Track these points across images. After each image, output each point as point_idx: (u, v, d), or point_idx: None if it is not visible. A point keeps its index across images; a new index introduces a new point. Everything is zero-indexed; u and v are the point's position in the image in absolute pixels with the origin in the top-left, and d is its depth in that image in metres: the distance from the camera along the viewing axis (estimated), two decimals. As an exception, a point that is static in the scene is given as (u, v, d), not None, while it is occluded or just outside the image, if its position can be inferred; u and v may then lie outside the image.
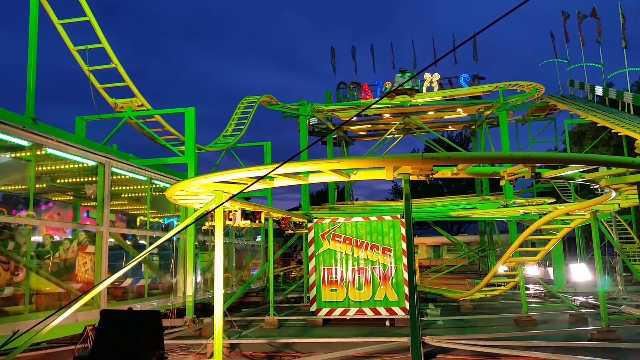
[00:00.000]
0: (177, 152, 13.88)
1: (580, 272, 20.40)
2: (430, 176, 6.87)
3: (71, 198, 12.25)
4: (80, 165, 10.02)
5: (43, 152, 8.45)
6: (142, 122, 14.90)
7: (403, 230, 12.61)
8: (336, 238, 13.25)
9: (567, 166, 7.02)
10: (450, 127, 30.84)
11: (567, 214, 11.93)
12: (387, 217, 13.27)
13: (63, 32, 13.28)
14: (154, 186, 12.29)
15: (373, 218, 13.32)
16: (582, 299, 15.87)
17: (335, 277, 13.08)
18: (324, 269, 13.17)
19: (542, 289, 18.56)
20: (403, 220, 12.50)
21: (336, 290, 13.02)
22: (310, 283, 13.34)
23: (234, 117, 21.49)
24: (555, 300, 15.43)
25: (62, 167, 10.17)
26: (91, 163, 9.76)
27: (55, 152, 8.61)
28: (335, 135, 29.19)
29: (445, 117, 27.04)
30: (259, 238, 20.53)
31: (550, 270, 22.08)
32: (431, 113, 26.05)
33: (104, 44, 13.52)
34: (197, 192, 7.81)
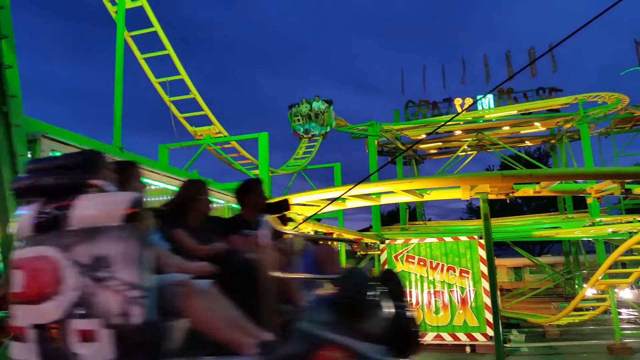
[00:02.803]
0: (252, 176, 14.33)
1: (682, 296, 18.60)
2: (511, 194, 6.61)
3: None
4: (165, 191, 10.58)
5: (131, 180, 9.01)
6: (219, 148, 15.56)
7: (481, 252, 12.13)
8: (410, 259, 12.99)
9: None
10: (527, 142, 29.54)
11: (664, 233, 10.98)
12: (463, 238, 12.84)
13: (145, 66, 14.24)
14: (231, 209, 12.72)
15: (448, 239, 12.95)
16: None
17: (411, 301, 12.79)
18: (398, 291, 12.91)
19: (637, 313, 17.10)
20: (481, 241, 12.05)
21: (411, 313, 12.70)
22: (384, 306, 13.10)
23: (304, 139, 21.90)
24: (654, 327, 14.14)
25: (148, 193, 10.80)
26: (174, 189, 10.28)
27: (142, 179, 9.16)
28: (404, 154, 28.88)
29: (522, 131, 25.96)
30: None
31: (646, 293, 20.29)
32: (506, 128, 25.12)
33: (183, 75, 14.33)
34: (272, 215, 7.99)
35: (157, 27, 13.26)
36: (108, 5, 12.77)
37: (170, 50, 13.78)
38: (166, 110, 14.57)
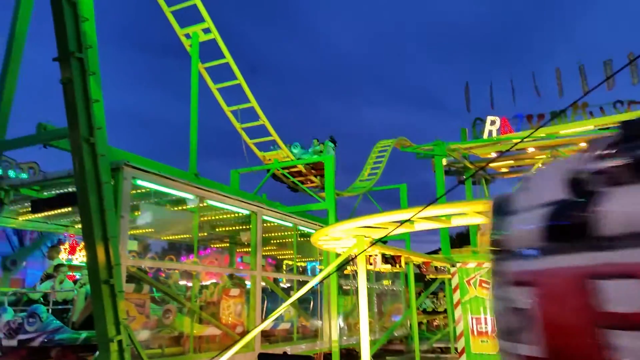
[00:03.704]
0: (319, 199, 14.47)
1: None
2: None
3: (227, 245, 13.36)
4: (236, 215, 10.94)
5: (205, 204, 9.41)
6: (287, 172, 15.90)
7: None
8: (483, 284, 12.49)
9: None
10: (606, 158, 27.76)
11: None
12: (540, 261, 12.18)
13: (218, 95, 14.91)
14: (298, 232, 12.89)
15: (524, 262, 12.33)
16: None
17: (486, 328, 12.23)
18: (472, 318, 12.42)
19: None
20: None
21: (487, 341, 12.14)
22: (457, 333, 12.63)
23: (369, 161, 21.86)
24: None
25: (220, 216, 11.20)
26: (245, 212, 10.60)
27: (215, 203, 9.54)
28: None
29: (600, 148, 24.45)
30: (396, 282, 20.20)
31: None
32: (583, 144, 23.79)
33: (253, 103, 14.84)
34: (339, 237, 8.02)
35: (228, 58, 13.90)
36: (183, 39, 13.56)
37: (240, 79, 14.34)
38: (237, 137, 15.15)
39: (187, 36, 13.46)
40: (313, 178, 16.80)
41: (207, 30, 13.34)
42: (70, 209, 9.06)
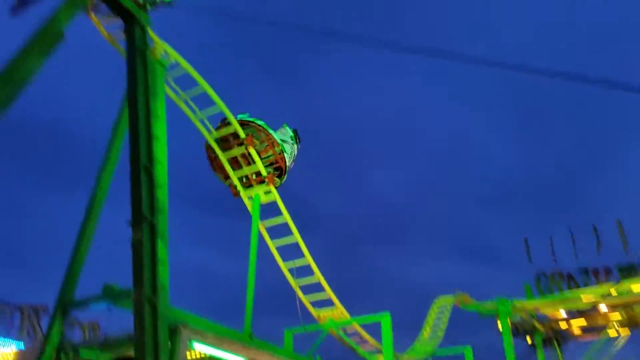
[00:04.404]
0: (376, 362, 13.56)
1: None
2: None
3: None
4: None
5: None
6: (342, 332, 15.27)
7: None
8: None
9: None
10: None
11: None
12: None
13: (275, 252, 15.14)
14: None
15: None
16: None
17: None
18: None
19: None
20: None
21: None
22: None
23: (428, 320, 20.78)
24: None
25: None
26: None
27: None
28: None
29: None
30: None
31: None
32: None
33: (308, 259, 14.91)
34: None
35: (286, 216, 14.42)
36: (246, 201, 14.32)
37: (297, 236, 14.65)
38: (292, 294, 14.97)
39: (250, 198, 14.24)
40: (370, 338, 15.99)
41: (267, 192, 14.10)
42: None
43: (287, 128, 15.14)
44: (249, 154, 13.54)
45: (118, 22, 9.96)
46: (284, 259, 15.31)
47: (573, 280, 23.13)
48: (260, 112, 14.37)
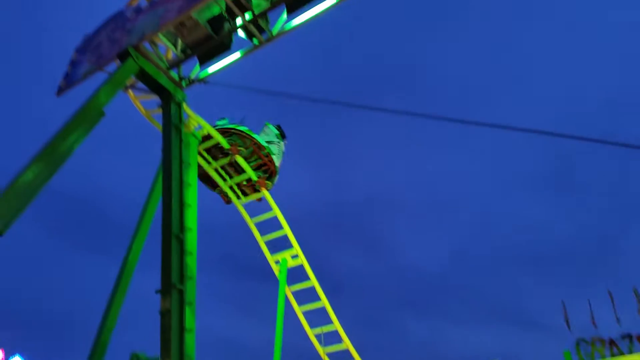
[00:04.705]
0: None
1: None
2: None
3: None
4: None
5: None
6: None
7: None
8: None
9: None
10: None
11: None
12: None
13: (302, 318, 14.91)
14: None
15: None
16: None
17: None
18: None
19: None
20: None
21: None
22: None
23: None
24: None
25: None
26: None
27: None
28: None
29: None
30: None
31: None
32: None
33: (336, 325, 14.61)
34: None
35: (314, 281, 14.32)
36: (273, 266, 14.35)
37: (325, 301, 14.46)
38: (320, 362, 14.57)
39: (277, 262, 14.26)
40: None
41: (295, 256, 14.12)
42: None
43: (270, 126, 14.75)
44: (236, 162, 13.23)
45: (154, 98, 10.57)
46: (312, 325, 15.04)
47: (615, 346, 21.92)
48: (289, 183, 14.60)
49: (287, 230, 13.83)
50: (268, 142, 14.22)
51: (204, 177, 13.79)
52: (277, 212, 13.66)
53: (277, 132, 14.79)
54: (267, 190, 13.90)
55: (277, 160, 14.27)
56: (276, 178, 14.42)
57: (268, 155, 13.88)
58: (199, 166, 13.29)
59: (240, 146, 13.31)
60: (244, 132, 13.61)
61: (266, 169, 14.02)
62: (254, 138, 13.69)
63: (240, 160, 13.18)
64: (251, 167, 13.52)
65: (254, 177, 13.51)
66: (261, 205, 14.33)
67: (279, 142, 14.64)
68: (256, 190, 14.02)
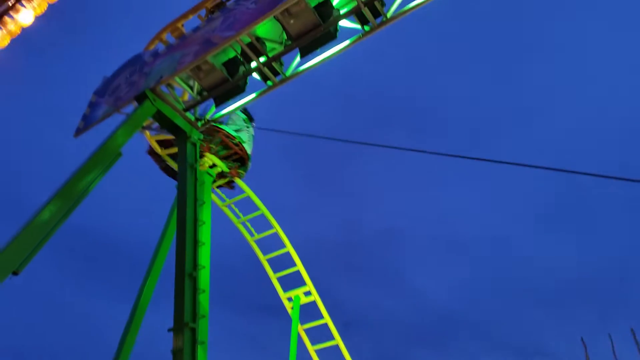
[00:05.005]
0: None
1: None
2: None
3: None
4: None
5: None
6: None
7: None
8: None
9: None
10: None
11: None
12: None
13: (315, 357, 14.69)
14: None
15: None
16: None
17: None
18: None
19: None
20: None
21: None
22: None
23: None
24: None
25: None
26: None
27: None
28: None
29: None
30: None
31: None
32: None
33: (350, 364, 14.39)
34: None
35: (327, 318, 14.19)
36: (286, 303, 14.28)
37: (338, 339, 14.29)
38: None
39: (290, 299, 14.20)
40: None
41: (307, 293, 14.06)
42: None
43: (238, 113, 13.98)
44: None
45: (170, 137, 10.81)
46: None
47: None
48: (300, 218, 14.67)
49: (299, 266, 13.84)
50: (237, 130, 13.77)
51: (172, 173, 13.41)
52: (211, 157, 12.85)
53: (244, 116, 14.32)
54: (241, 179, 13.59)
55: (248, 148, 13.92)
56: (249, 164, 14.04)
57: (239, 144, 13.50)
58: (164, 165, 13.29)
59: (209, 142, 12.80)
60: (213, 126, 12.81)
61: (238, 158, 13.63)
62: (222, 129, 13.24)
63: (212, 157, 12.76)
64: (221, 157, 13.13)
65: (226, 169, 13.12)
66: (273, 240, 14.33)
67: (247, 127, 14.24)
68: (231, 182, 13.75)
